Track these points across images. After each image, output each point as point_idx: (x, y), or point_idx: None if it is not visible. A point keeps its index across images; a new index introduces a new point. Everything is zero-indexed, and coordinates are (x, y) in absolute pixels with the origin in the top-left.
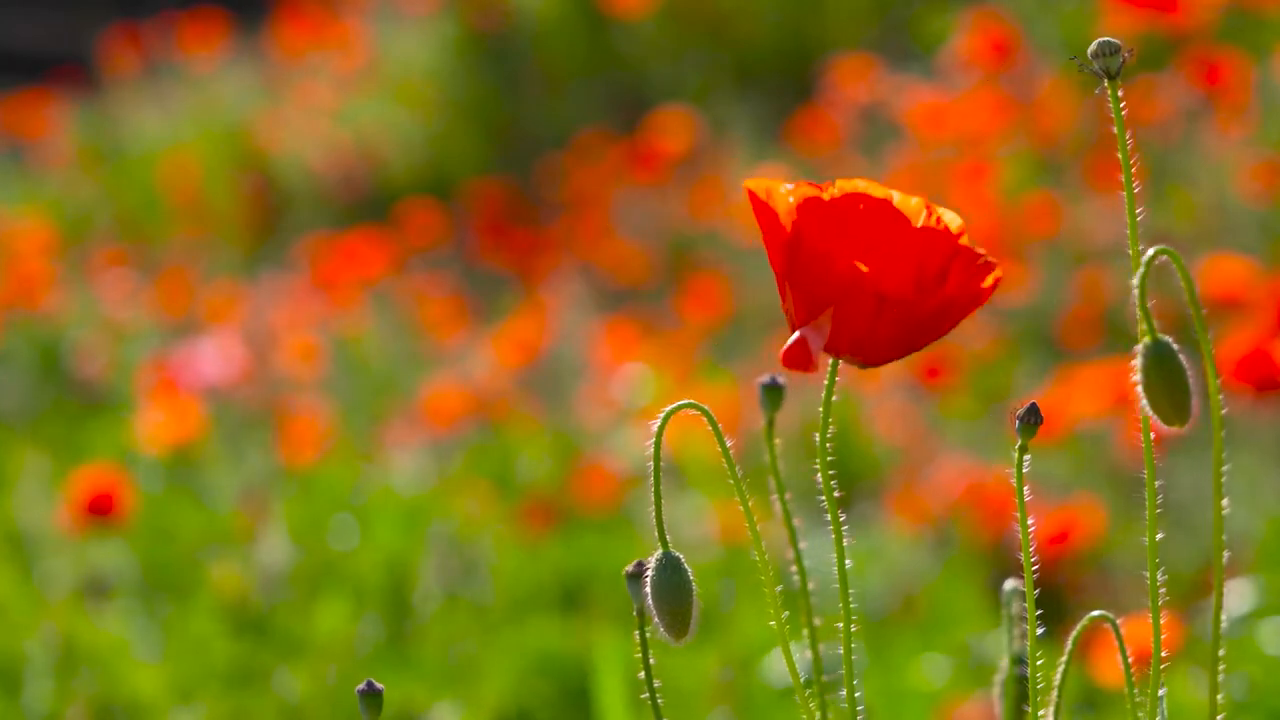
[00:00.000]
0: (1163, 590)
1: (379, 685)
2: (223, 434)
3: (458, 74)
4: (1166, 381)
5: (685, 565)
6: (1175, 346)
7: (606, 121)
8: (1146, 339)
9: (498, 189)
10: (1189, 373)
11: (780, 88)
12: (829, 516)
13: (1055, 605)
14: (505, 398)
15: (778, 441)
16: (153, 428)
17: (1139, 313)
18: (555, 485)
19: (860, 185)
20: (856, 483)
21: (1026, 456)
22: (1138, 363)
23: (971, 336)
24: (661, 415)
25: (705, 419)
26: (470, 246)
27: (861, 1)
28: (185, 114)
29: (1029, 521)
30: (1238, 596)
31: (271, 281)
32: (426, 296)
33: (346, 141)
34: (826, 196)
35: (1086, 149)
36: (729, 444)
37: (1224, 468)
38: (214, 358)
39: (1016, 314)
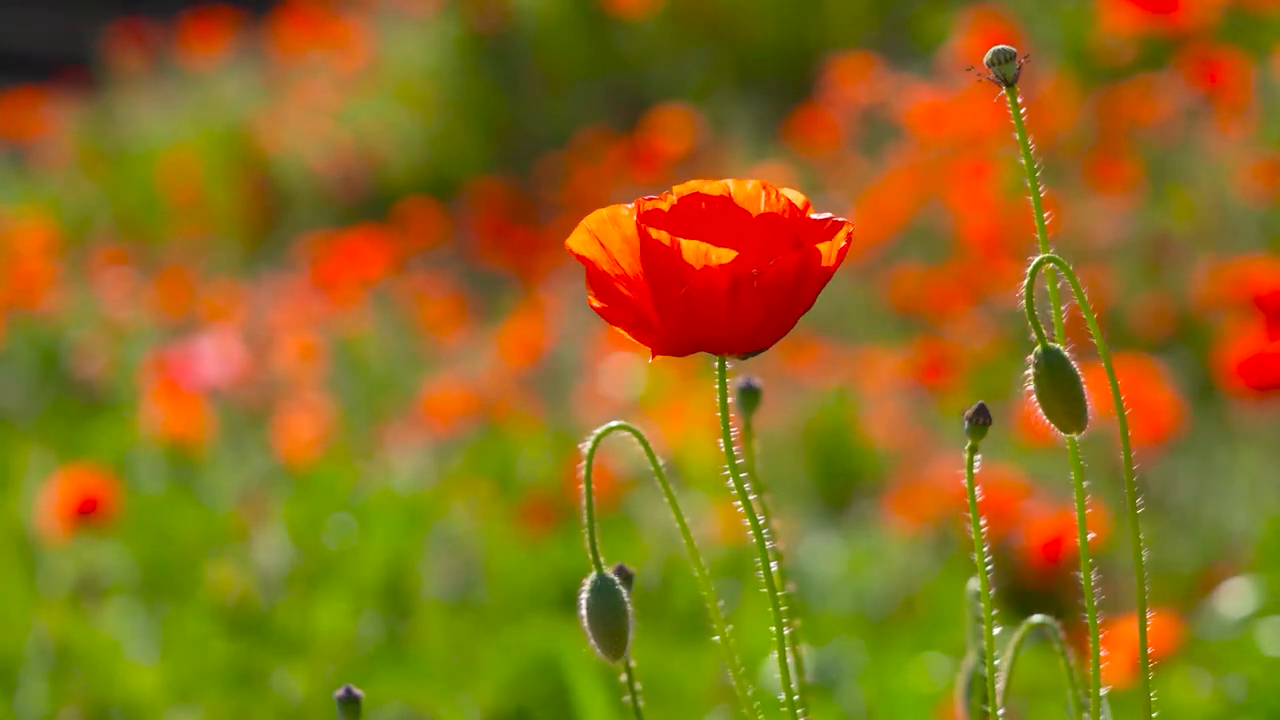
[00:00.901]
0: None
1: (358, 691)
2: (223, 434)
3: (458, 74)
4: (1059, 389)
5: (619, 587)
6: (1066, 354)
7: (606, 121)
8: (1038, 347)
9: (498, 189)
10: (1081, 380)
11: (780, 88)
12: (754, 517)
13: (1057, 606)
14: (505, 398)
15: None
16: (153, 427)
17: (1029, 320)
18: (555, 485)
19: (695, 185)
20: (856, 483)
21: (978, 457)
22: (1030, 371)
23: (971, 336)
24: (592, 438)
25: (637, 440)
26: (470, 246)
27: (861, 1)
28: (186, 114)
29: (982, 523)
30: (1238, 596)
31: (271, 281)
32: (426, 296)
33: (346, 141)
34: (666, 205)
35: (1086, 149)
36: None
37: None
38: (214, 357)
39: (1016, 314)
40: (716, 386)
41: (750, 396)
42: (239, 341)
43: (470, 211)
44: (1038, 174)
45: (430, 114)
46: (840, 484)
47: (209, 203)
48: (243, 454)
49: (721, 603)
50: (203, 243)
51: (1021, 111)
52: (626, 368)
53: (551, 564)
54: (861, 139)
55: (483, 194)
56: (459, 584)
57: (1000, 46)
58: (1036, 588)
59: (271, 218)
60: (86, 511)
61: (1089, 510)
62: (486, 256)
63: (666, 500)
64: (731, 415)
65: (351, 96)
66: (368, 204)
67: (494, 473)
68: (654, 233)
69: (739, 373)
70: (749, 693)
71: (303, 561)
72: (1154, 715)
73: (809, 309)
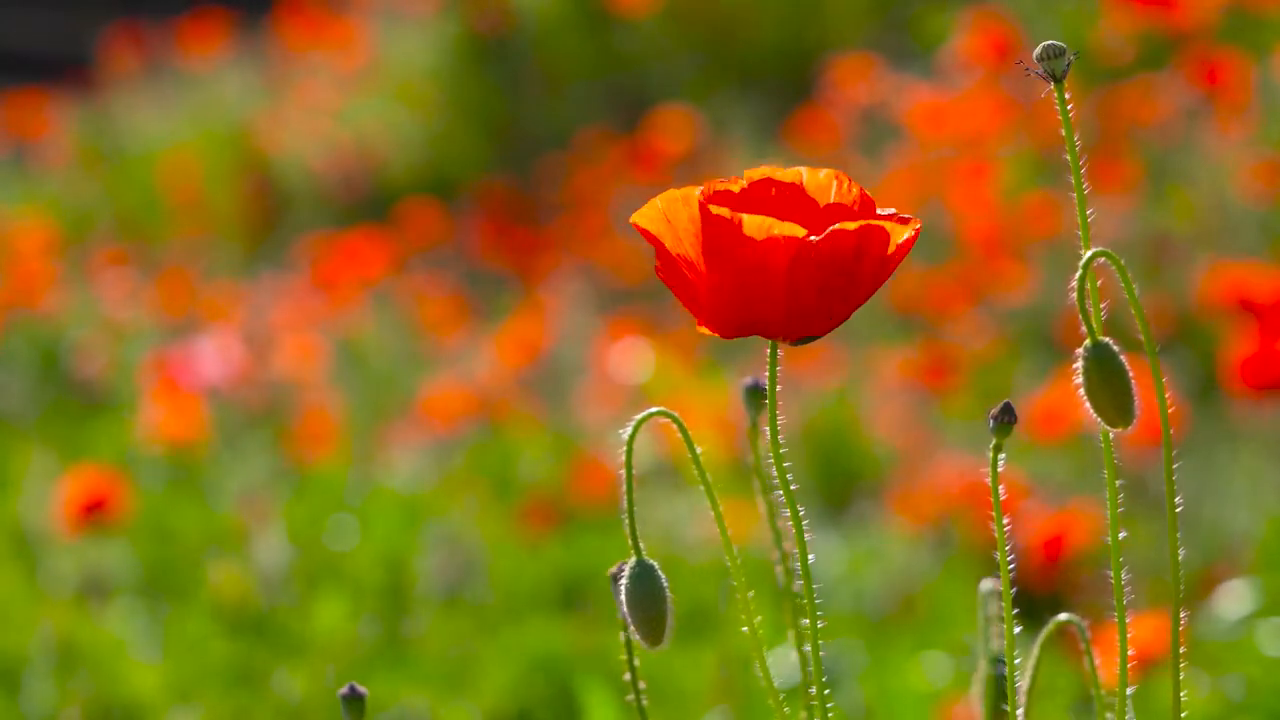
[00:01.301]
0: (1128, 589)
1: (362, 689)
2: (223, 434)
3: (458, 74)
4: (1108, 383)
5: (658, 573)
6: (1116, 348)
7: (606, 121)
8: (1087, 341)
9: (498, 189)
10: (1129, 374)
11: (780, 88)
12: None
13: (1055, 606)
14: (505, 398)
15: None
16: (153, 427)
17: (1080, 314)
18: (555, 485)
19: (767, 171)
20: (856, 483)
21: (1002, 455)
22: (1079, 365)
23: (971, 336)
24: (632, 424)
25: (677, 427)
26: (470, 246)
27: (861, 1)
28: (185, 114)
29: (1005, 521)
30: (1238, 597)
31: (271, 281)
32: (426, 296)
33: (346, 141)
34: (735, 188)
35: (1087, 149)
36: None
37: (1174, 465)
38: (214, 358)
39: (1016, 314)
40: (767, 373)
41: (755, 395)
42: (239, 341)
43: (470, 211)
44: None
45: (430, 114)
46: (840, 484)
47: (209, 203)
48: (243, 454)
49: (730, 598)
50: (203, 243)
51: (1069, 109)
52: (630, 367)
53: (552, 564)
54: (861, 139)
55: (483, 194)
56: (459, 584)
57: (1050, 42)
58: (1036, 588)
59: (271, 218)
60: (94, 510)
61: (1093, 511)
62: (486, 256)
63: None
64: (738, 414)
65: (351, 96)
66: (368, 204)
67: (494, 473)
68: (715, 209)
69: (746, 373)
70: (752, 689)
71: (303, 561)
72: (1166, 711)
73: (867, 298)
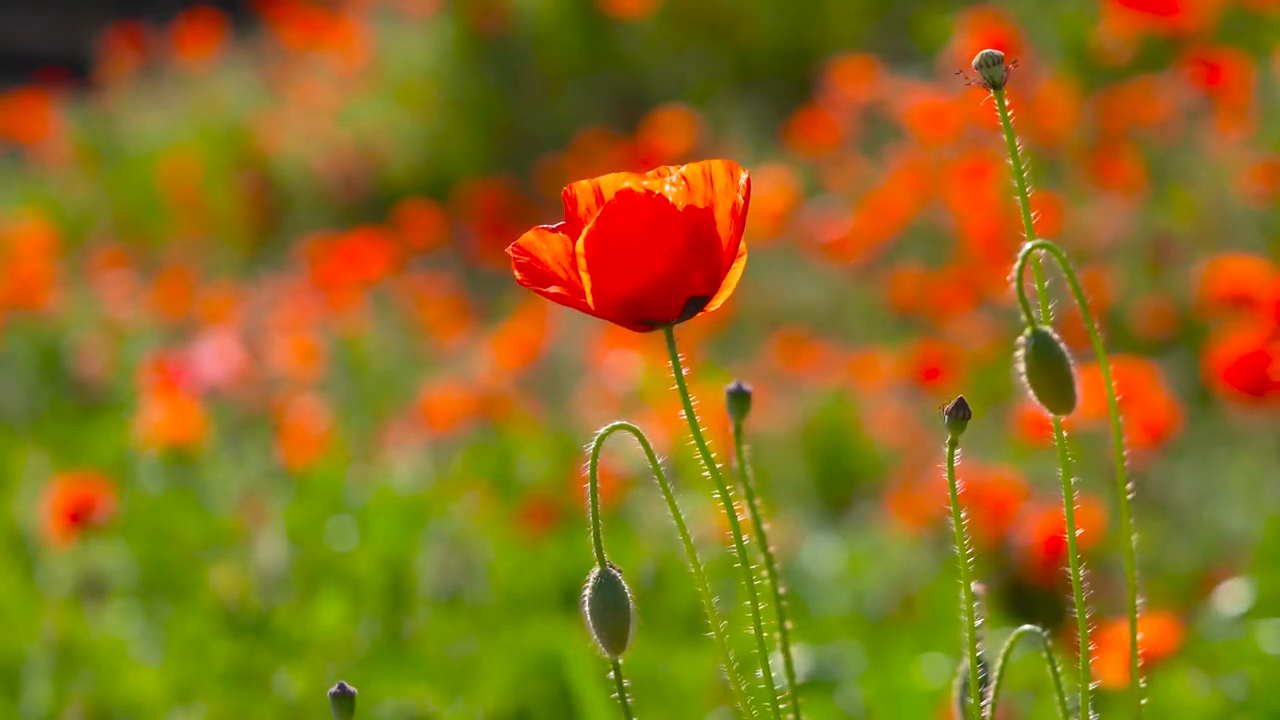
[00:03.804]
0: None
1: (351, 688)
2: (222, 434)
3: (458, 74)
4: (1049, 370)
5: (621, 583)
6: (1055, 337)
7: (606, 121)
8: (1028, 330)
9: (497, 189)
10: (1070, 360)
11: (780, 88)
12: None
13: (1054, 606)
14: (505, 398)
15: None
16: (152, 428)
17: (1020, 303)
18: (555, 485)
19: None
20: (856, 483)
21: (958, 450)
22: (1020, 354)
23: (971, 336)
24: (596, 437)
25: (638, 439)
26: (470, 246)
27: (861, 1)
28: (184, 114)
29: (963, 515)
30: (1237, 597)
31: (271, 281)
32: (426, 296)
33: (346, 141)
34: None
35: (1086, 149)
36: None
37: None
38: (213, 358)
39: (1016, 314)
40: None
41: (740, 400)
42: (238, 342)
43: (470, 212)
44: (1032, 174)
45: (430, 114)
46: (840, 484)
47: (208, 203)
48: (242, 455)
49: (717, 599)
50: (202, 243)
51: (1009, 114)
52: (626, 367)
53: (552, 564)
54: (861, 139)
55: (482, 194)
56: (459, 584)
57: (988, 50)
58: (1037, 587)
59: (271, 218)
60: (83, 517)
61: (1084, 508)
62: (486, 256)
63: (664, 499)
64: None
65: (351, 96)
66: (367, 204)
67: (494, 473)
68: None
69: (745, 375)
70: (743, 688)
71: (303, 561)
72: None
73: (732, 253)
